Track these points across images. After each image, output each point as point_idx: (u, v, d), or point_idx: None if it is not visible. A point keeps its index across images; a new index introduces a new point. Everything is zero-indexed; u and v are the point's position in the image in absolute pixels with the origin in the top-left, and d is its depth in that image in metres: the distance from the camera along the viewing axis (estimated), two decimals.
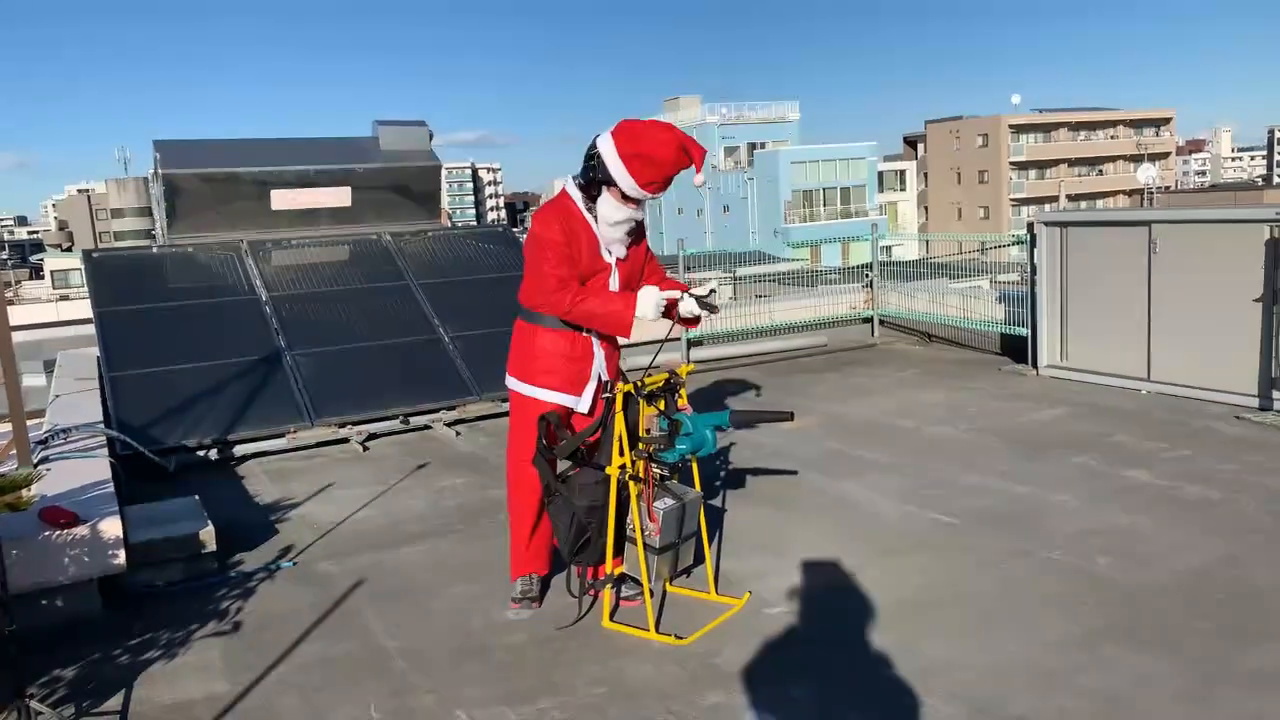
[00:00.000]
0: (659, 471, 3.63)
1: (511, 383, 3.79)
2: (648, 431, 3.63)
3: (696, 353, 9.03)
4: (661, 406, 3.66)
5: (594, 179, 3.55)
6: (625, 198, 3.54)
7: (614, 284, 3.71)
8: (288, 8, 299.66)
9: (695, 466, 3.84)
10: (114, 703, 3.28)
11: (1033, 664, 3.23)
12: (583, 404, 3.74)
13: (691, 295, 3.63)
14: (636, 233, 3.77)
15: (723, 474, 5.45)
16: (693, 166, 3.53)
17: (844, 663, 3.32)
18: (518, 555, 3.90)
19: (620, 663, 3.39)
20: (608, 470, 3.53)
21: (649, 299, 3.52)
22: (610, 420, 3.55)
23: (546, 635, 3.62)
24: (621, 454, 3.51)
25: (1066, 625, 3.48)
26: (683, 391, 3.72)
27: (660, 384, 3.66)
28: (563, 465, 3.69)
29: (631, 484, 3.53)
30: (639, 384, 3.58)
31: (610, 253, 3.69)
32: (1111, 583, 3.82)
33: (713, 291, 3.67)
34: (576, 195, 3.63)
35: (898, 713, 3.01)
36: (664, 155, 3.44)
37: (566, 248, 3.56)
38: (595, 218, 3.62)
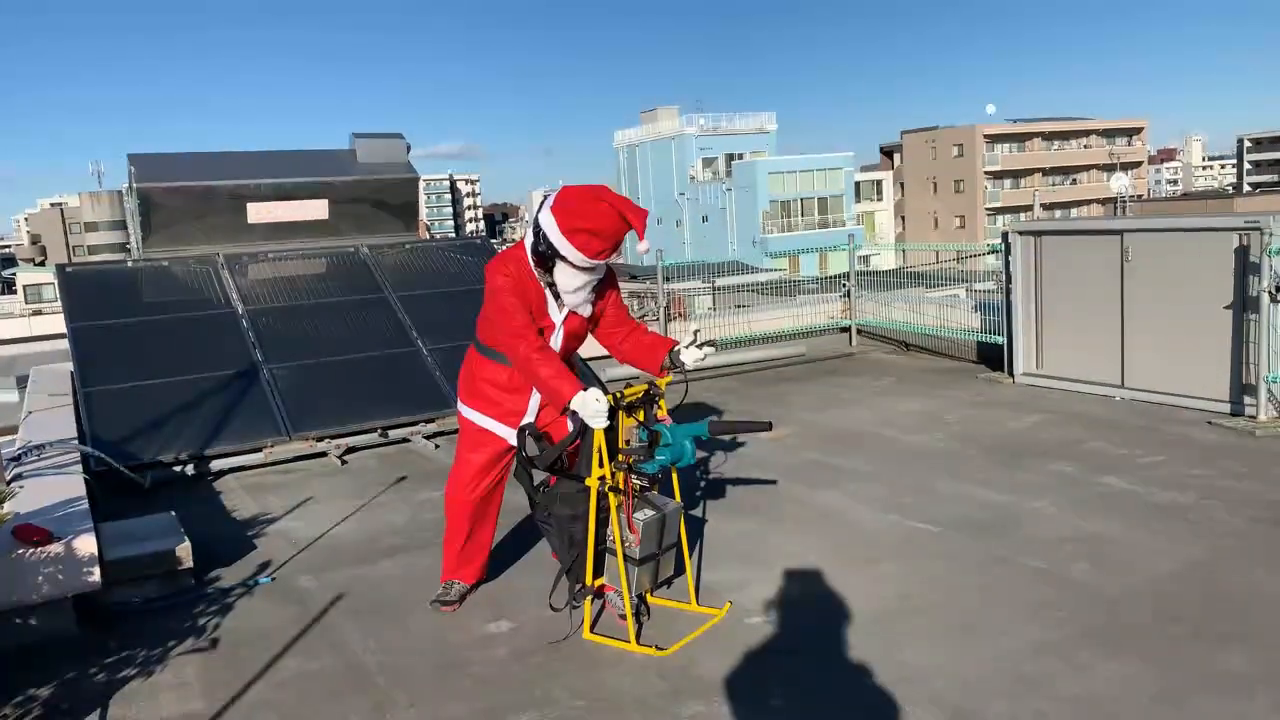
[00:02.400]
0: (638, 483, 3.64)
1: (458, 404, 3.98)
2: (627, 443, 3.63)
3: None
4: (641, 417, 3.67)
5: (545, 253, 3.58)
6: (578, 267, 3.58)
7: (555, 343, 3.76)
8: (264, 20, 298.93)
9: (675, 477, 3.85)
10: None
11: (1011, 670, 3.25)
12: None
13: (685, 347, 3.74)
14: (601, 286, 3.80)
15: (703, 484, 5.46)
16: (636, 230, 3.59)
17: (824, 672, 3.33)
18: (447, 561, 4.03)
19: (601, 675, 3.38)
20: (587, 482, 3.53)
21: (592, 405, 3.42)
22: (589, 431, 3.55)
23: (527, 649, 3.61)
24: (601, 465, 3.52)
25: (1044, 631, 3.51)
26: (662, 402, 3.74)
27: (639, 395, 3.67)
28: (542, 476, 3.71)
29: (611, 495, 3.54)
30: (618, 395, 3.58)
31: (559, 309, 3.73)
32: (1088, 589, 3.85)
33: (697, 332, 3.82)
34: (536, 269, 3.66)
35: None
36: (604, 226, 3.48)
37: (520, 295, 3.62)
38: (546, 283, 3.66)
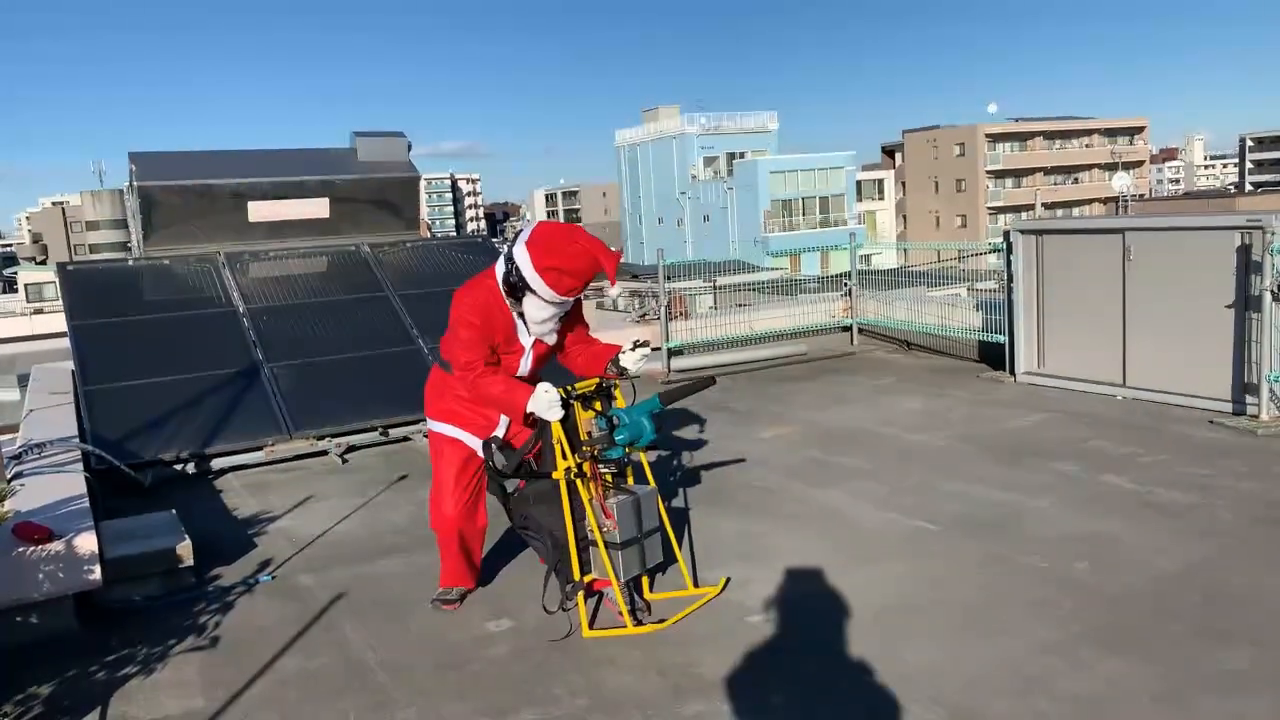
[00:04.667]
0: (607, 472, 3.70)
1: (427, 421, 4.04)
2: (589, 434, 3.67)
3: (677, 362, 9.04)
4: (599, 408, 3.71)
5: (515, 283, 3.65)
6: (548, 301, 3.66)
7: (525, 365, 3.86)
8: (265, 18, 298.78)
9: (645, 462, 3.91)
10: (90, 719, 3.24)
11: (1012, 669, 3.25)
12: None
13: (626, 352, 3.82)
14: (568, 317, 3.88)
15: (704, 483, 5.46)
16: (607, 273, 3.67)
17: (825, 670, 3.33)
18: (444, 571, 4.06)
19: (602, 673, 3.38)
20: (554, 475, 3.57)
21: (543, 399, 3.55)
22: (546, 428, 3.60)
23: (527, 647, 3.61)
24: (565, 457, 3.55)
25: (1045, 630, 3.51)
26: (618, 392, 3.82)
27: (592, 388, 3.76)
28: (514, 484, 3.77)
29: (579, 484, 3.58)
30: (569, 389, 3.64)
31: (529, 334, 3.80)
32: (1089, 587, 3.85)
33: (636, 341, 3.89)
34: (509, 300, 3.73)
35: (879, 719, 3.01)
36: (577, 266, 3.57)
37: (481, 330, 3.68)
38: (516, 311, 3.73)
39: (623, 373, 3.85)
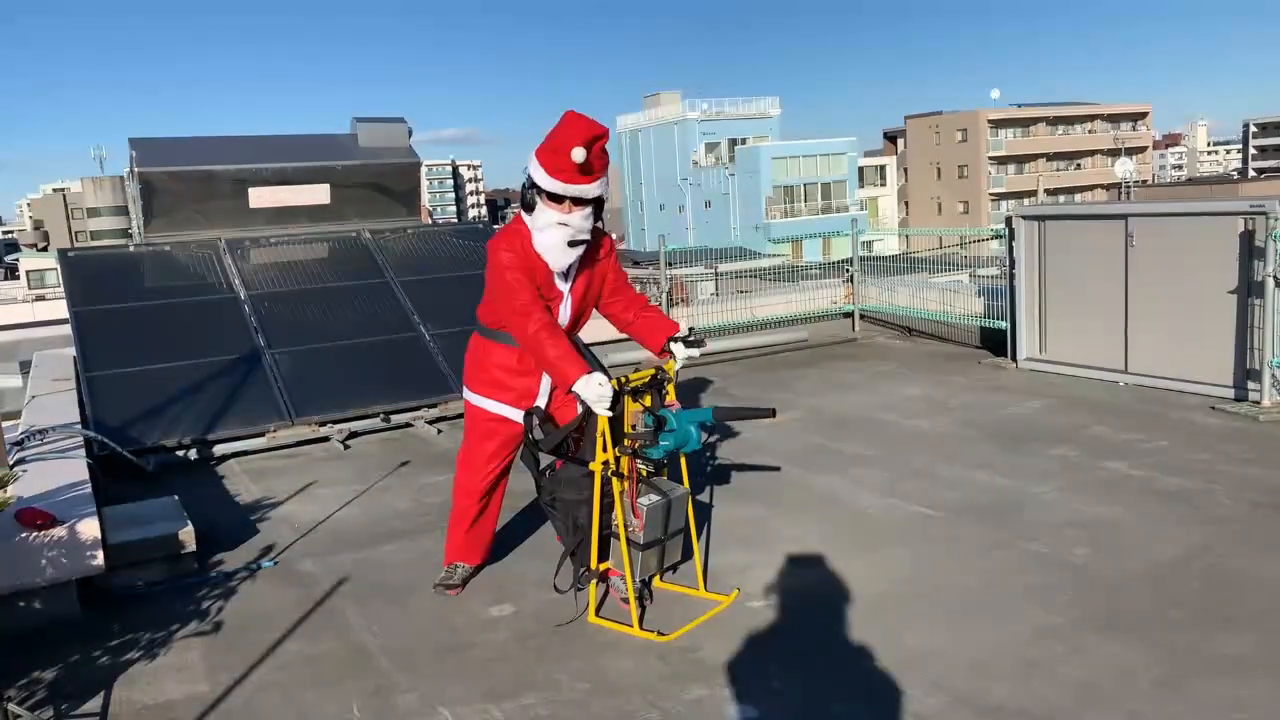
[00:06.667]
0: (644, 468, 3.63)
1: (465, 392, 3.96)
2: (633, 427, 3.62)
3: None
4: (647, 402, 3.65)
5: (530, 201, 3.59)
6: (551, 198, 3.53)
7: (564, 312, 3.73)
8: (267, 3, 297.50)
9: (684, 462, 3.84)
10: (93, 704, 3.25)
11: (1013, 654, 3.25)
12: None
13: (679, 341, 3.76)
14: (592, 253, 3.73)
15: (706, 469, 5.46)
16: (601, 140, 3.51)
17: (826, 655, 3.33)
18: (452, 543, 4.03)
19: (603, 658, 3.39)
20: (590, 466, 3.53)
21: (594, 390, 3.36)
22: (593, 415, 3.53)
23: (529, 632, 3.62)
24: (605, 450, 3.51)
25: (1046, 615, 3.51)
26: (670, 387, 3.72)
27: (646, 380, 3.65)
28: (547, 460, 3.71)
29: (614, 480, 3.53)
30: (622, 380, 3.57)
31: (565, 279, 3.69)
32: (1090, 573, 3.85)
33: (692, 330, 3.83)
34: (527, 220, 3.64)
35: (880, 704, 3.02)
36: (563, 139, 3.46)
37: (523, 268, 3.57)
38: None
39: (671, 354, 3.77)
